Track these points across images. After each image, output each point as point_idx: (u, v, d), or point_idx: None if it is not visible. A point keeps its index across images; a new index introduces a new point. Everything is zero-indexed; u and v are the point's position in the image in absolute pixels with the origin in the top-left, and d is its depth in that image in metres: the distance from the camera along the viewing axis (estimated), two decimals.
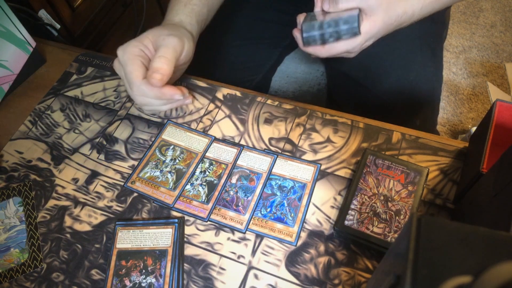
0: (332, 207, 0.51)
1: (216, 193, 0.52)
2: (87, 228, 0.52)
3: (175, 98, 0.55)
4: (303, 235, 0.49)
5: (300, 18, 0.59)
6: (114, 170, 0.56)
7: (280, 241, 0.49)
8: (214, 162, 0.55)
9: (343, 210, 0.47)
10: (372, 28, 0.56)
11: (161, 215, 0.52)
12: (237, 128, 0.58)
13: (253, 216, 0.50)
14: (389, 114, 0.64)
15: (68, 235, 0.51)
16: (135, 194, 0.54)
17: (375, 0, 0.53)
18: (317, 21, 0.54)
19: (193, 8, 0.62)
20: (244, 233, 0.50)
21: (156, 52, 0.53)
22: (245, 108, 0.60)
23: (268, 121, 0.59)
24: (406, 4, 0.55)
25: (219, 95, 0.62)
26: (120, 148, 0.58)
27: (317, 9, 0.59)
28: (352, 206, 0.48)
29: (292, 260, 0.47)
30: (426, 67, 0.72)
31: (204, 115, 0.60)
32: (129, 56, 0.53)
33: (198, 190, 0.53)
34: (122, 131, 0.60)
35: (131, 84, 0.53)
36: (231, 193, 0.52)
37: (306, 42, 0.56)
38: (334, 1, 0.55)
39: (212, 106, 0.61)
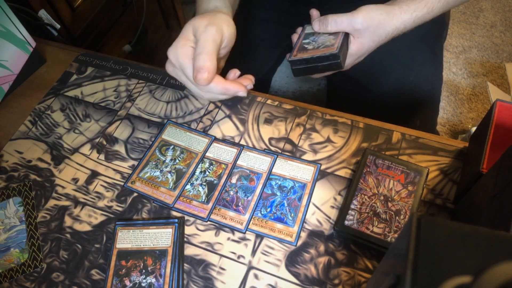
0: (332, 207, 0.51)
1: (216, 193, 0.52)
2: (87, 228, 0.52)
3: (239, 95, 0.55)
4: (303, 235, 0.49)
5: (294, 37, 0.62)
6: (114, 170, 0.56)
7: (280, 241, 0.49)
8: (214, 162, 0.55)
9: (343, 210, 0.47)
10: (360, 49, 0.58)
11: (161, 215, 0.52)
12: (237, 128, 0.58)
13: (253, 216, 0.50)
14: (389, 114, 0.64)
15: (68, 235, 0.51)
16: (135, 194, 0.54)
17: (361, 24, 0.55)
18: (303, 57, 0.57)
19: None
20: (244, 233, 0.50)
21: (196, 47, 0.52)
22: (245, 108, 0.60)
23: (268, 121, 0.59)
24: (397, 21, 0.56)
25: None
26: (120, 148, 0.58)
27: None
28: (352, 206, 0.48)
29: (292, 260, 0.47)
30: (426, 67, 0.72)
31: (204, 115, 0.60)
32: (184, 59, 0.52)
33: (198, 190, 0.53)
34: (122, 131, 0.60)
35: (198, 85, 0.53)
36: (231, 193, 0.52)
37: (295, 73, 0.60)
38: (324, 24, 0.57)
39: (212, 106, 0.61)
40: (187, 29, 0.53)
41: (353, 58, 0.59)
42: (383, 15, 0.55)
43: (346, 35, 0.57)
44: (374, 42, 0.57)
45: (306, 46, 0.58)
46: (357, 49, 0.58)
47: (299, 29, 0.63)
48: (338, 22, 0.56)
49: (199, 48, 0.51)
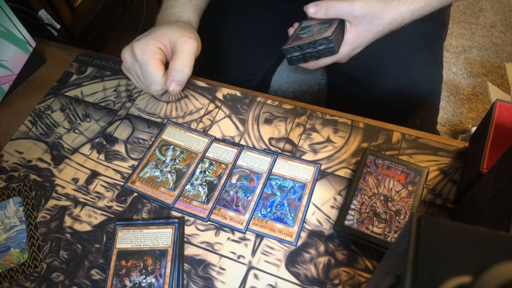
0: (332, 207, 0.51)
1: (216, 193, 0.52)
2: (87, 228, 0.52)
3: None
4: (303, 235, 0.49)
5: (290, 30, 0.62)
6: (114, 170, 0.56)
7: (280, 241, 0.49)
8: (214, 162, 0.55)
9: (343, 210, 0.47)
10: (356, 38, 0.58)
11: (161, 215, 0.52)
12: (237, 128, 0.58)
13: (253, 216, 0.50)
14: (389, 114, 0.64)
15: (68, 235, 0.51)
16: (135, 194, 0.54)
17: (360, 12, 0.55)
18: (297, 43, 0.57)
19: (196, 4, 0.63)
20: (244, 233, 0.50)
21: (175, 55, 0.54)
22: (245, 108, 0.60)
23: (268, 121, 0.59)
24: (395, 13, 0.56)
25: (219, 95, 0.62)
26: (120, 148, 0.58)
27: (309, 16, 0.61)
28: (352, 206, 0.48)
29: (292, 260, 0.47)
30: (426, 67, 0.72)
31: (204, 115, 0.60)
32: (150, 56, 0.53)
33: (198, 190, 0.53)
34: (122, 131, 0.60)
35: (153, 83, 0.55)
36: (231, 193, 0.52)
37: (290, 62, 0.60)
38: (322, 9, 0.57)
39: (212, 106, 0.61)
40: (163, 33, 0.55)
41: (349, 47, 0.59)
42: (381, 5, 0.55)
43: (341, 22, 0.57)
44: (370, 32, 0.57)
45: (301, 36, 0.59)
46: (353, 38, 0.58)
47: (296, 24, 0.63)
48: (338, 7, 0.56)
49: (181, 59, 0.54)
